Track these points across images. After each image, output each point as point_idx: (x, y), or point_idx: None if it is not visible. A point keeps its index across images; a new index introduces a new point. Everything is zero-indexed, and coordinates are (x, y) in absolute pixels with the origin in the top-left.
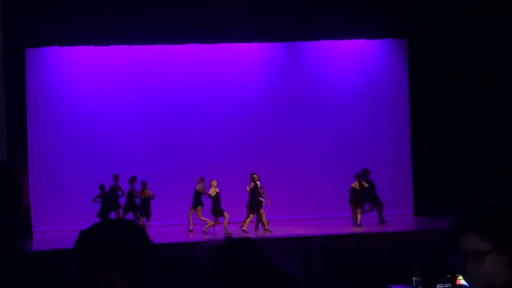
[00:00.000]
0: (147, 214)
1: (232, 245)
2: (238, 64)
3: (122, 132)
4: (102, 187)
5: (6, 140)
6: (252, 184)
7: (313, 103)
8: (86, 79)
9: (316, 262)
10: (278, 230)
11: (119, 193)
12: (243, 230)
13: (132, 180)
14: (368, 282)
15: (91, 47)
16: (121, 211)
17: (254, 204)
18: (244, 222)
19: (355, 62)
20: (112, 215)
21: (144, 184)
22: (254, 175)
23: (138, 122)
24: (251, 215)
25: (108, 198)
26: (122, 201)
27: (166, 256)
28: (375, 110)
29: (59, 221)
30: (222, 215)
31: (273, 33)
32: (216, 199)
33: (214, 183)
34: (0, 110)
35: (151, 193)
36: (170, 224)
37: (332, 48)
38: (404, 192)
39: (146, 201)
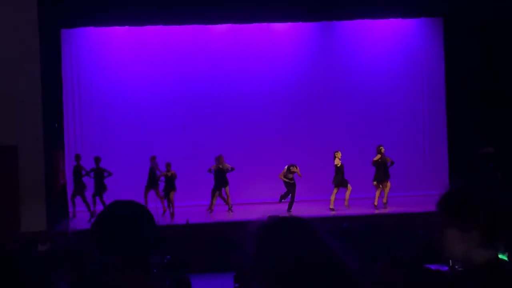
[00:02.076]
0: (170, 191)
1: (278, 223)
2: (272, 44)
3: (157, 113)
4: (97, 159)
5: (42, 120)
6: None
7: (348, 84)
8: (121, 60)
9: (353, 242)
10: (313, 210)
11: (158, 173)
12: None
13: (153, 158)
14: (405, 261)
15: (126, 27)
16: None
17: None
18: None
19: (390, 42)
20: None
21: (168, 165)
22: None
23: (172, 103)
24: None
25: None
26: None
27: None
28: (411, 91)
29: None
30: (345, 185)
31: (308, 12)
32: (339, 170)
33: (339, 154)
34: (36, 91)
35: (174, 172)
36: (197, 205)
37: (367, 28)
38: (440, 172)
39: (171, 180)
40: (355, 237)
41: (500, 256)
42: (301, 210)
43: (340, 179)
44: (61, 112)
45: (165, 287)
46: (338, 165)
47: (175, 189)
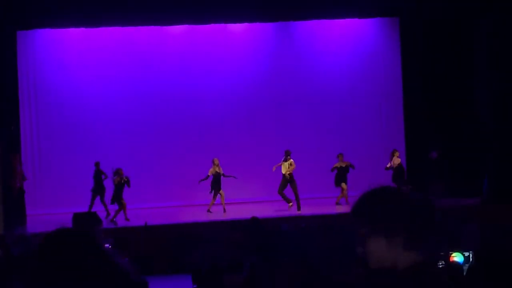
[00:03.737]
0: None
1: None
2: (229, 45)
3: (114, 114)
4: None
5: None
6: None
7: (305, 83)
8: (78, 62)
9: (314, 241)
10: (271, 211)
11: (102, 176)
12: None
13: (97, 164)
14: (364, 261)
15: (83, 29)
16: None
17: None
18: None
19: (347, 41)
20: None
21: (119, 170)
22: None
23: (129, 104)
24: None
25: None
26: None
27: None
28: (368, 90)
29: (51, 204)
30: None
31: (264, 13)
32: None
33: (216, 161)
34: None
35: (124, 178)
36: (156, 206)
37: (324, 27)
38: None
39: (120, 186)
40: (314, 237)
41: (458, 255)
42: (260, 210)
43: (338, 179)
44: (17, 115)
45: None
46: (338, 167)
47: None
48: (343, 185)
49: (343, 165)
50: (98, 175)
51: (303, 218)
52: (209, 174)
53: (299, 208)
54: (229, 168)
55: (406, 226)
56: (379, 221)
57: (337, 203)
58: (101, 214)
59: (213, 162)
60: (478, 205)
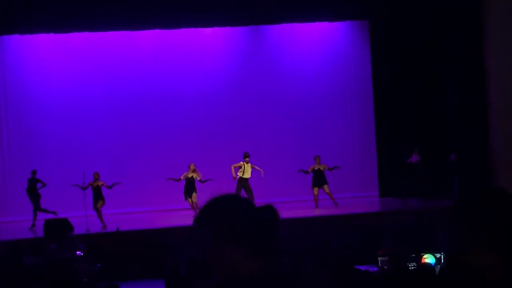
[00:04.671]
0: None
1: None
2: (201, 49)
3: (85, 120)
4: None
5: None
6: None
7: (277, 86)
8: (49, 67)
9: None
10: None
11: (39, 185)
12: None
13: (33, 172)
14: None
15: (52, 34)
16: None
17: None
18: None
19: (318, 44)
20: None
21: (96, 175)
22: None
23: (100, 109)
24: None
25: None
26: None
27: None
28: (339, 92)
29: (20, 211)
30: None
31: (236, 17)
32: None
33: (192, 167)
34: None
35: (102, 183)
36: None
37: (295, 31)
38: (369, 174)
39: (98, 189)
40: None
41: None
42: None
43: (316, 182)
44: None
45: None
46: (314, 169)
47: (103, 199)
48: (326, 187)
49: (321, 168)
50: (34, 184)
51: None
52: (180, 178)
53: None
54: (203, 171)
55: (252, 234)
56: (225, 230)
57: (335, 204)
58: (74, 221)
59: (188, 167)
60: (450, 207)
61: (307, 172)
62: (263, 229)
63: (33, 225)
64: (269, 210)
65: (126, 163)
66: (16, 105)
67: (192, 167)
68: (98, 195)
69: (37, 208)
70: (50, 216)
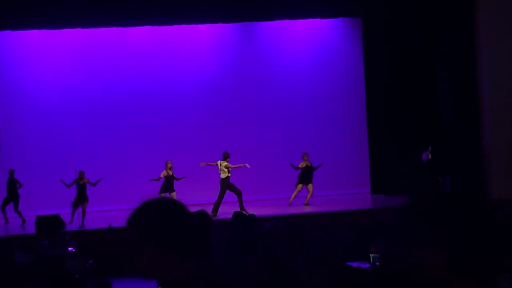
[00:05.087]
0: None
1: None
2: (192, 46)
3: (74, 117)
4: (80, 173)
5: None
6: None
7: (269, 83)
8: (41, 64)
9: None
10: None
11: (17, 185)
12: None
13: (11, 172)
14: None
15: (45, 31)
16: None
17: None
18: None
19: (310, 41)
20: None
21: (81, 173)
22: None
23: (92, 105)
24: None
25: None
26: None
27: None
28: (331, 90)
29: (10, 207)
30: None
31: (228, 13)
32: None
33: (169, 164)
34: None
35: (87, 180)
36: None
37: (287, 28)
38: (361, 171)
39: (83, 187)
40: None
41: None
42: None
43: (305, 179)
44: None
45: None
46: (302, 166)
47: (87, 199)
48: (310, 186)
49: (308, 165)
50: (12, 184)
51: (267, 218)
52: (161, 176)
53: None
54: (190, 169)
55: (181, 238)
56: (154, 233)
57: (306, 204)
58: (65, 217)
59: (166, 165)
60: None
61: (297, 168)
62: (193, 233)
63: (23, 221)
64: (201, 215)
65: (118, 159)
66: (7, 102)
67: (169, 165)
68: (82, 194)
69: (15, 208)
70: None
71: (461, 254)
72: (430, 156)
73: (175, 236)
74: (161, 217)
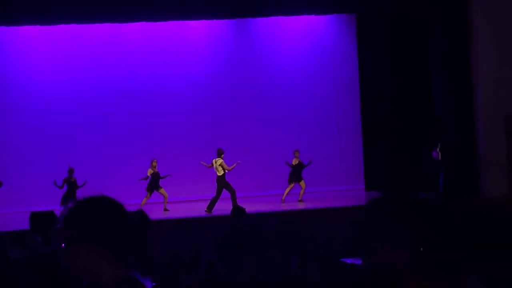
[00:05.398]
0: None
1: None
2: (186, 42)
3: (71, 112)
4: (70, 171)
5: None
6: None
7: (262, 80)
8: (34, 60)
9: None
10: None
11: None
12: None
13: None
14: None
15: (38, 26)
16: None
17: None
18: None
19: (304, 38)
20: None
21: (71, 171)
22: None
23: (85, 101)
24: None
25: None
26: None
27: None
28: (325, 86)
29: (2, 204)
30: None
31: (222, 9)
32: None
33: (154, 163)
34: None
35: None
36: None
37: (282, 25)
38: (355, 167)
39: (73, 185)
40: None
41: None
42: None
43: (296, 176)
44: None
45: None
46: (294, 164)
47: (75, 197)
48: (302, 182)
49: (300, 162)
50: None
51: (262, 215)
52: (148, 174)
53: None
54: (184, 166)
55: (110, 239)
56: (84, 232)
57: (300, 201)
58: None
59: (151, 163)
60: (437, 200)
61: (292, 166)
62: (129, 233)
63: None
64: (138, 215)
65: (113, 157)
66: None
67: (154, 163)
68: (71, 192)
69: None
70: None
71: (420, 255)
72: (440, 154)
73: (103, 237)
74: (90, 217)
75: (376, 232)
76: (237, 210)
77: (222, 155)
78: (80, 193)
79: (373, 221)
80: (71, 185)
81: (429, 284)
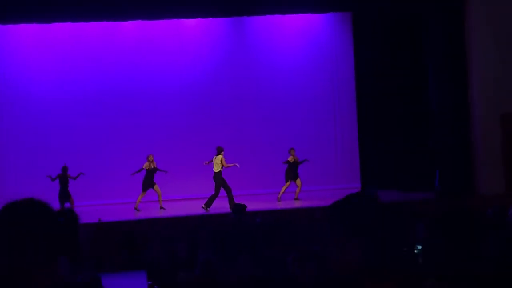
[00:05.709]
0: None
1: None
2: (182, 41)
3: (67, 111)
4: (64, 169)
5: None
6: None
7: (259, 78)
8: (30, 58)
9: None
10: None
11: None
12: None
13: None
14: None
15: (35, 25)
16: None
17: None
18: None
19: (300, 36)
20: None
21: (65, 169)
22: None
23: (81, 99)
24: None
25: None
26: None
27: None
28: (321, 84)
29: None
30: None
31: (218, 8)
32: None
33: (151, 158)
34: None
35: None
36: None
37: (277, 23)
38: (351, 165)
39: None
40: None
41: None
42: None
43: (292, 174)
44: None
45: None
46: (291, 161)
47: (70, 197)
48: (298, 180)
49: (296, 160)
50: None
51: (258, 213)
52: (144, 167)
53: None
54: (181, 164)
55: (40, 240)
56: (12, 235)
57: (296, 199)
58: None
59: (147, 158)
60: (432, 200)
61: (288, 162)
62: (56, 233)
63: None
64: (66, 214)
65: (109, 155)
66: None
67: (151, 158)
68: (65, 190)
69: None
70: None
71: (376, 256)
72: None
73: (32, 239)
74: (18, 218)
75: (332, 231)
76: (238, 207)
77: (222, 152)
78: (73, 188)
79: (330, 221)
80: (65, 181)
81: (384, 285)
